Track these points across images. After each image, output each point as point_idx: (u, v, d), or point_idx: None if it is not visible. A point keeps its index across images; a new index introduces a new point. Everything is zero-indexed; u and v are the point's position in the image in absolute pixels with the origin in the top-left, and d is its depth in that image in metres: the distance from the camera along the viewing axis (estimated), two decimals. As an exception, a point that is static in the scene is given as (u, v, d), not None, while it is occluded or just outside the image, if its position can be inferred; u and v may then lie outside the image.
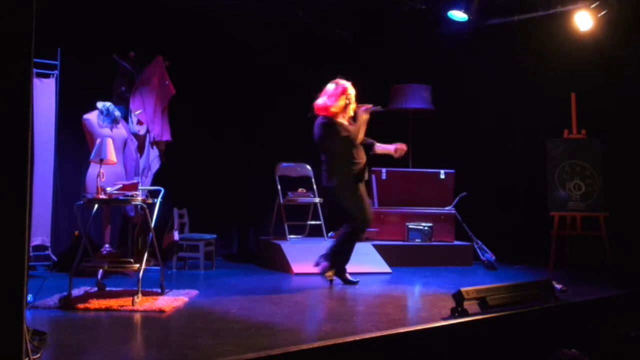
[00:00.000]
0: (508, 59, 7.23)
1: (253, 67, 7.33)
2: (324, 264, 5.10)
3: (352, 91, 5.10)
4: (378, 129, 5.39)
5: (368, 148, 5.28)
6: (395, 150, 5.30)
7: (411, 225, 6.76)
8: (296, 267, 5.92)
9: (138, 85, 6.14)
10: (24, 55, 2.18)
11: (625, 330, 4.33)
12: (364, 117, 5.04)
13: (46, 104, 5.74)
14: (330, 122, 5.01)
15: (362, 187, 5.06)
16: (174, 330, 3.58)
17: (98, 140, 4.90)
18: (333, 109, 5.01)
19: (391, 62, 7.85)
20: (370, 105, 5.10)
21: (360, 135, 5.07)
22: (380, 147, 5.30)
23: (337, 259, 5.08)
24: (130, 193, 4.47)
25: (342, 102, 5.03)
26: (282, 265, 6.11)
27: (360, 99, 5.20)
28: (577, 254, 6.42)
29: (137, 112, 6.09)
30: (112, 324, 3.68)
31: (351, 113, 5.11)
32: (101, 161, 4.71)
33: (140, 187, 4.67)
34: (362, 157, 5.08)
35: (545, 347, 3.96)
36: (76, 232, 5.74)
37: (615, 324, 4.41)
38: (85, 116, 5.72)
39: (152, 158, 6.34)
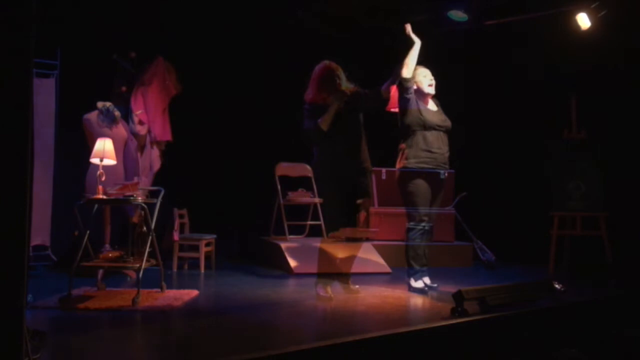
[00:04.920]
0: (508, 58, 7.22)
1: (253, 66, 7.33)
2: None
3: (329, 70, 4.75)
4: (377, 131, 5.38)
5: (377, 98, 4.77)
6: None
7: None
8: (296, 267, 5.92)
9: (138, 85, 6.15)
10: (24, 55, 2.18)
11: (625, 330, 4.33)
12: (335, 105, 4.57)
13: (46, 104, 5.74)
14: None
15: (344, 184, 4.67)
16: (174, 330, 3.58)
17: (98, 140, 4.91)
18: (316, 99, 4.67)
19: (390, 62, 7.83)
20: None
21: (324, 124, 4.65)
22: (385, 87, 4.74)
23: None
24: (130, 193, 4.47)
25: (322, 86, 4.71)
26: (282, 265, 6.11)
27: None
28: (577, 254, 6.42)
29: (137, 112, 6.09)
30: (112, 324, 3.68)
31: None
32: (101, 161, 4.71)
33: (140, 187, 4.67)
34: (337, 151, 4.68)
35: (545, 347, 3.96)
36: (75, 232, 5.74)
37: (615, 324, 4.41)
38: (86, 116, 5.72)
39: (153, 158, 6.34)
